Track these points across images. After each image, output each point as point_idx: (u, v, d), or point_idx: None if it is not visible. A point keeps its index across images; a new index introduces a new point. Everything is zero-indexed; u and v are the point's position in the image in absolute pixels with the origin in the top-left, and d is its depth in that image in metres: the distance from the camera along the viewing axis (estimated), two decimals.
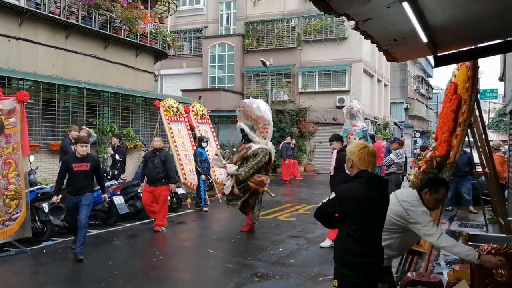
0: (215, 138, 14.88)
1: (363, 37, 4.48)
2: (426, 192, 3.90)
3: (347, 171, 3.60)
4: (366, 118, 22.55)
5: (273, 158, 9.31)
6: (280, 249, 7.67)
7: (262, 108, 9.19)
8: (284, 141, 19.63)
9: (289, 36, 26.89)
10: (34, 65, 12.21)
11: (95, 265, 6.40)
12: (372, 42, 4.69)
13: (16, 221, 7.35)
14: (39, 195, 8.03)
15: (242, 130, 9.23)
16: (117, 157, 11.75)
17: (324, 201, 3.40)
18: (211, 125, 15.07)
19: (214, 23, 29.49)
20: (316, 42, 26.24)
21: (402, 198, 3.89)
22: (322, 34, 26.02)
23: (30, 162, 8.66)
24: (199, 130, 14.02)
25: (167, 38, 17.30)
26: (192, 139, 13.46)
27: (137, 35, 15.64)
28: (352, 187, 3.33)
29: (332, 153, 8.28)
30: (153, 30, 16.78)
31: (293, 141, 20.84)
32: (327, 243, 7.69)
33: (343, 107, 24.60)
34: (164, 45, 17.28)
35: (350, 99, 24.84)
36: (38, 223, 7.92)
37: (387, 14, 3.58)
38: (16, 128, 7.50)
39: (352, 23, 3.86)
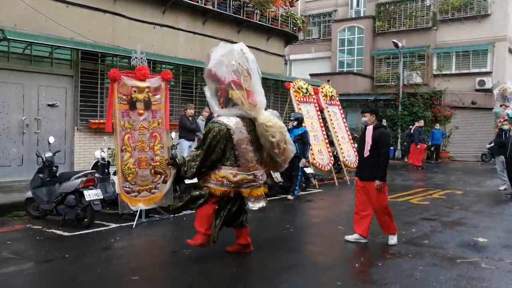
0: (344, 120, 14.68)
1: None
2: None
3: None
4: None
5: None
6: (413, 229, 7.40)
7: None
8: (417, 124, 18.67)
9: (423, 16, 25.58)
10: (175, 49, 13.12)
11: (228, 234, 6.69)
12: None
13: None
14: None
15: None
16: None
17: None
18: (340, 107, 14.90)
19: (344, 7, 28.96)
20: (454, 21, 24.57)
21: None
22: (461, 12, 24.29)
23: (172, 138, 9.38)
24: (328, 111, 13.96)
25: (297, 21, 17.44)
26: (321, 120, 13.43)
27: (269, 18, 15.98)
28: None
29: (364, 127, 6.60)
30: (283, 14, 17.01)
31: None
32: (354, 236, 6.65)
33: (484, 90, 22.95)
34: (294, 28, 17.46)
35: (492, 81, 22.96)
36: (178, 193, 8.54)
37: None
38: (161, 105, 8.14)
39: None
